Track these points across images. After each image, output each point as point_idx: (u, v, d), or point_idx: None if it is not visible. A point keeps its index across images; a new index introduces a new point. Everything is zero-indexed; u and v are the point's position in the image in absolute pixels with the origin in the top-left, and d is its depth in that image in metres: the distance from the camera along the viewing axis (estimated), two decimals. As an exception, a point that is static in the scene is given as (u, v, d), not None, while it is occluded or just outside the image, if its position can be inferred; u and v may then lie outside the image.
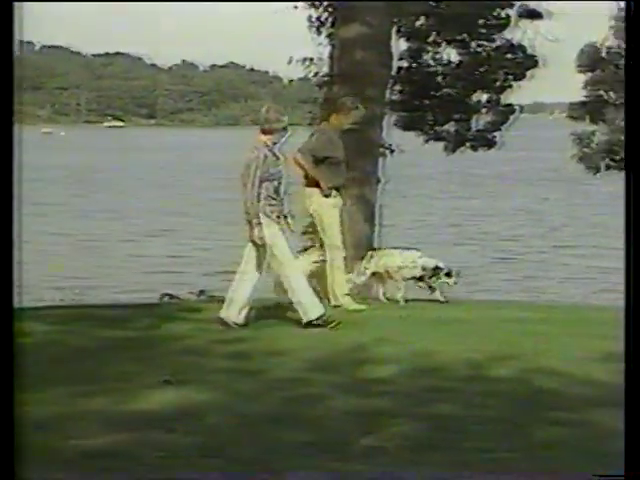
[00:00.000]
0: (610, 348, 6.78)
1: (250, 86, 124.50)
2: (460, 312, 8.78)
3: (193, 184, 42.51)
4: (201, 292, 12.78)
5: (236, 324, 7.68)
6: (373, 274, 9.34)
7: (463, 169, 38.64)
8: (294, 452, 4.59)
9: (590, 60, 11.69)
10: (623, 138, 11.56)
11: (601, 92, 11.70)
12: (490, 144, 13.13)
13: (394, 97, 12.19)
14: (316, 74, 12.45)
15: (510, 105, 13.05)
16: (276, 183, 7.61)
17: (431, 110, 13.14)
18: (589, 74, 11.76)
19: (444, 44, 13.11)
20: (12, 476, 3.60)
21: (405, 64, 13.03)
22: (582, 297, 16.14)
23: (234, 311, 7.70)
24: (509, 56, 12.73)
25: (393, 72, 12.12)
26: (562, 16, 12.94)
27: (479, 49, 12.88)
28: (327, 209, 8.63)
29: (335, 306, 8.52)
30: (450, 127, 13.18)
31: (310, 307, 7.65)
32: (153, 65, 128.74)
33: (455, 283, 9.30)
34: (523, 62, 12.67)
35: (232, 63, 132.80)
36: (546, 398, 5.50)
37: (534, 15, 12.58)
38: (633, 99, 3.92)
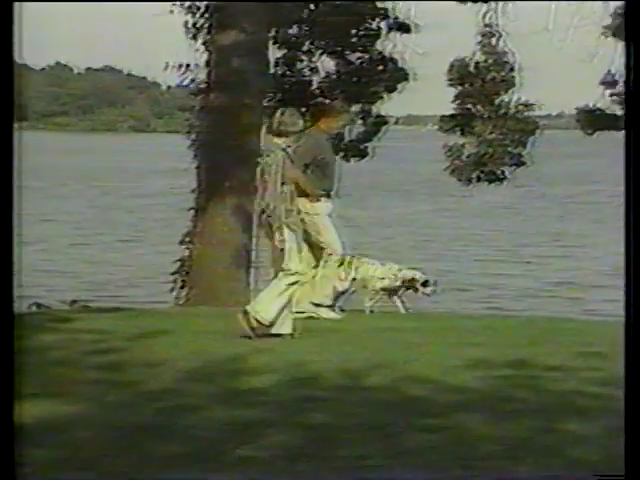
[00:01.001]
0: (478, 355, 6.98)
1: (127, 91, 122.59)
2: (334, 322, 8.87)
3: (66, 190, 41.59)
4: (73, 302, 12.50)
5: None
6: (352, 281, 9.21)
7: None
8: (167, 464, 4.55)
9: (459, 74, 12.04)
10: (491, 151, 11.92)
11: (470, 105, 12.06)
12: (362, 154, 13.33)
13: (269, 104, 12.24)
14: (193, 81, 12.38)
15: (382, 116, 13.30)
16: (292, 187, 7.71)
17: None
18: (459, 88, 12.11)
19: (318, 53, 13.26)
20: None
21: (280, 72, 13.11)
22: (452, 306, 16.55)
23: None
24: (381, 68, 12.97)
25: (269, 80, 12.16)
26: (431, 30, 13.31)
27: (352, 60, 13.09)
28: (319, 215, 8.59)
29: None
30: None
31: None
32: (24, 65, 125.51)
33: (434, 292, 9.24)
34: (394, 74, 12.94)
35: (109, 67, 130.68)
36: (417, 405, 5.62)
37: (403, 28, 12.88)
38: (632, 101, 4.00)
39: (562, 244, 26.21)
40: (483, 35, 11.95)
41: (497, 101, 12.00)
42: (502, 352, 7.15)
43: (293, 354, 7.00)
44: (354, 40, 13.10)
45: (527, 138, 12.08)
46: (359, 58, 13.24)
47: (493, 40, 11.94)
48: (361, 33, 13.08)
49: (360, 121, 13.52)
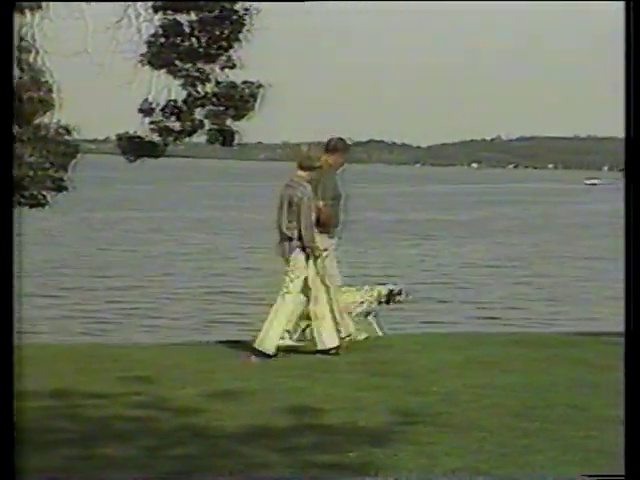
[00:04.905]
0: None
1: None
2: None
3: None
4: None
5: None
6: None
7: None
8: None
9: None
10: (32, 174, 11.50)
11: (9, 127, 11.53)
12: None
13: None
14: None
15: None
16: (314, 217, 8.30)
17: None
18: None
19: None
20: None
21: None
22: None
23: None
24: None
25: None
26: None
27: None
28: (331, 250, 8.74)
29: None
30: None
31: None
32: None
33: (407, 296, 9.46)
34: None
35: None
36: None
37: None
38: (632, 105, 3.87)
39: (103, 274, 26.22)
40: (20, 50, 11.40)
41: (36, 122, 11.59)
42: (42, 382, 6.93)
43: None
44: None
45: (68, 162, 11.85)
46: None
47: (30, 57, 11.46)
48: None
49: None
